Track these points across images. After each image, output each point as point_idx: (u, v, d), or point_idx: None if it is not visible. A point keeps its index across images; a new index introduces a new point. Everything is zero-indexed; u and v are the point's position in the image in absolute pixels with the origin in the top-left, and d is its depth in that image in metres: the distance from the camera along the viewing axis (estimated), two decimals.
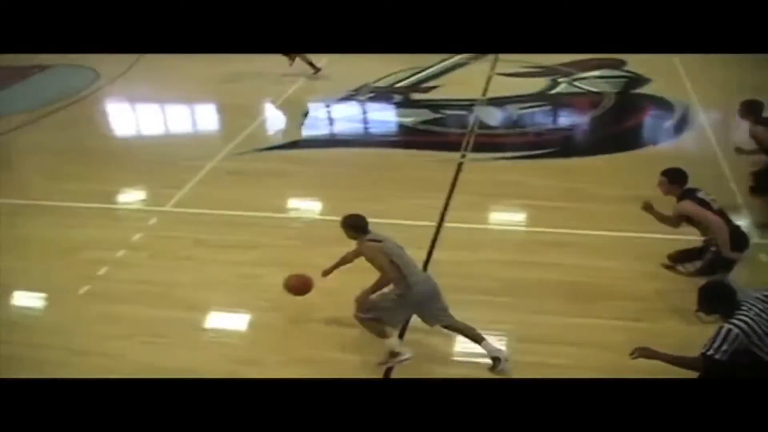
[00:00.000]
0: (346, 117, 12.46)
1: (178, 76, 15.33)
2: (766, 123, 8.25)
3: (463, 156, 10.38)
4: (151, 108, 14.44)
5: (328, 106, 12.97)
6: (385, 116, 12.36)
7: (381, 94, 13.15)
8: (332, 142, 11.49)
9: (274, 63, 13.96)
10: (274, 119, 12.99)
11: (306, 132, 12.13)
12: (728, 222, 6.77)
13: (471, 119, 11.63)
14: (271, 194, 9.71)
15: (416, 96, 12.93)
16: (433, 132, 11.42)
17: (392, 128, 11.94)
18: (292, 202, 9.57)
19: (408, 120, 11.98)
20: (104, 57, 15.50)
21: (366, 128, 12.09)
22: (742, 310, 5.00)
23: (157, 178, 10.54)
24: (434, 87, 13.28)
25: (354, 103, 12.91)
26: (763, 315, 4.99)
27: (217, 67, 15.60)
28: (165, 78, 15.45)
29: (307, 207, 9.43)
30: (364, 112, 12.61)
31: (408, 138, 11.36)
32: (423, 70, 13.90)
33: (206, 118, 13.89)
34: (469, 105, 12.11)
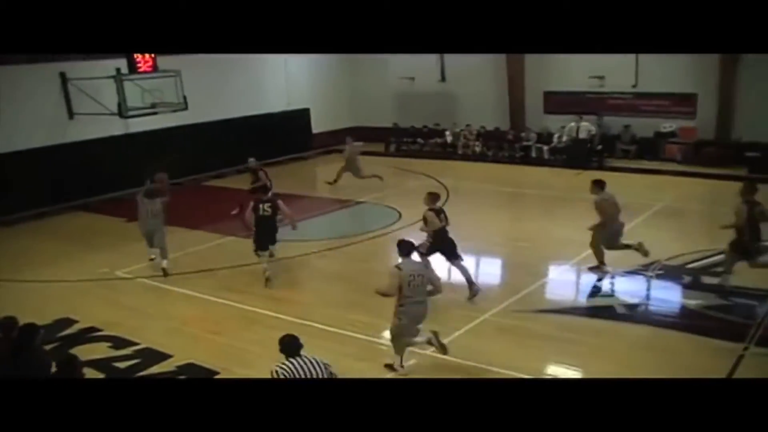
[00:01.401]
0: (629, 291, 12.10)
1: (476, 228, 16.01)
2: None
3: (746, 348, 9.62)
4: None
5: (613, 277, 12.75)
6: (669, 295, 11.85)
7: (671, 273, 12.65)
8: (608, 313, 11.22)
9: (573, 228, 14.10)
10: (558, 282, 12.99)
11: (584, 299, 12.03)
12: None
13: (762, 311, 10.79)
14: (532, 356, 9.70)
15: (707, 279, 12.28)
16: (717, 318, 10.75)
17: (674, 309, 11.39)
18: (552, 368, 9.48)
19: (693, 302, 11.36)
20: (410, 201, 16.79)
21: (647, 305, 11.64)
22: None
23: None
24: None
25: (640, 278, 12.56)
26: None
27: (516, 225, 16.11)
28: (463, 227, 16.19)
29: (564, 376, 9.29)
30: (649, 289, 12.19)
31: (688, 321, 10.75)
32: (720, 253, 13.21)
33: (493, 270, 14.32)
34: (763, 295, 11.25)
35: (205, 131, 23.35)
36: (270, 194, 13.54)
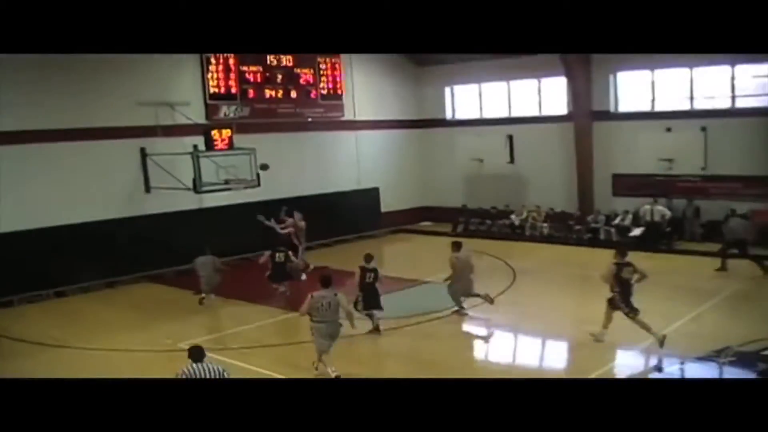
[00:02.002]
0: (701, 377, 11.68)
1: (543, 310, 15.77)
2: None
3: None
4: (505, 336, 15.06)
5: (682, 363, 12.32)
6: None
7: (744, 360, 12.14)
8: None
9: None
10: (626, 367, 12.62)
11: None
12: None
13: None
14: None
15: None
16: None
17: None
18: None
19: None
20: (476, 282, 16.66)
21: None
22: None
23: None
24: None
25: (712, 364, 12.10)
26: None
27: (583, 308, 15.77)
28: (529, 309, 15.96)
29: None
30: (721, 375, 11.71)
31: None
32: None
33: (559, 354, 14.09)
34: None
35: (275, 208, 23.55)
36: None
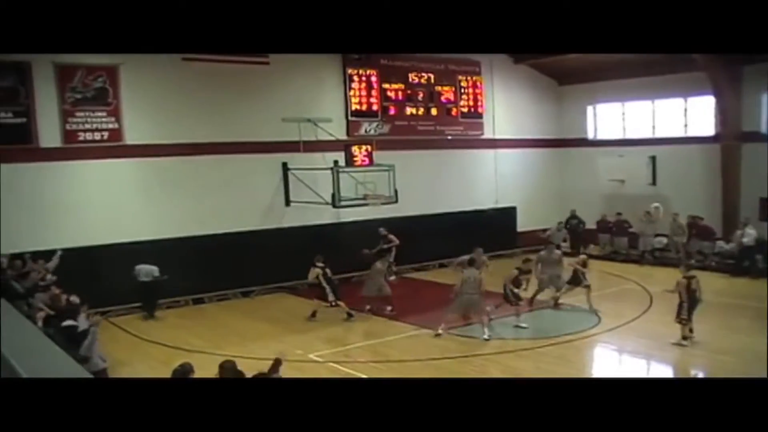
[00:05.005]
0: None
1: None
2: None
3: None
4: (638, 362, 14.68)
5: None
6: None
7: None
8: None
9: None
10: None
11: None
12: None
13: None
14: None
15: None
16: None
17: None
18: None
19: None
20: (612, 306, 16.19)
21: None
22: None
23: None
24: None
25: None
26: None
27: (720, 337, 15.09)
28: (665, 336, 15.40)
29: None
30: None
31: None
32: None
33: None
34: None
35: (411, 225, 23.61)
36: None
